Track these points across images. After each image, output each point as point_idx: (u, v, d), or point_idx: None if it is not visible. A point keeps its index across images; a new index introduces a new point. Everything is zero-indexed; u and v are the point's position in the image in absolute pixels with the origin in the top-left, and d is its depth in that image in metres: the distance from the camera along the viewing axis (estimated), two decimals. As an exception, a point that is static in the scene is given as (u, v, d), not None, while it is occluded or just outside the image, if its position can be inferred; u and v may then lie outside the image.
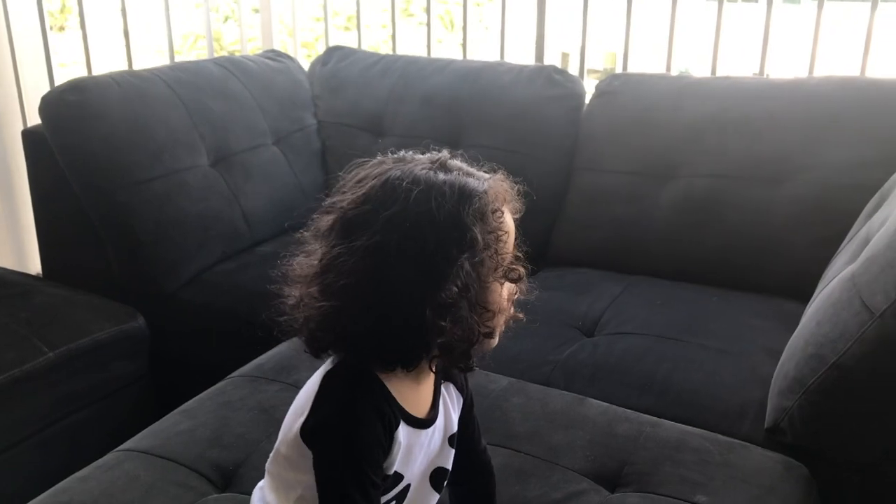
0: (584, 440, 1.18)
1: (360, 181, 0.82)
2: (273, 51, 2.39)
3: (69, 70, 2.61)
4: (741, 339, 1.51)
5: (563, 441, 1.17)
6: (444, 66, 2.25)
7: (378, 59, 2.34)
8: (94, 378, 1.64)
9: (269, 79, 2.19)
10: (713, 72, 2.25)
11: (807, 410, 1.19)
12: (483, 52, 2.50)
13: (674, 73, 2.27)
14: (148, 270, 1.81)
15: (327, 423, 0.80)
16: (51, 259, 1.99)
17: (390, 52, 2.50)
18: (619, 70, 2.29)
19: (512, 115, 2.07)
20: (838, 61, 2.28)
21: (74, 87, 1.78)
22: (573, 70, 2.26)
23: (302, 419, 0.82)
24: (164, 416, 1.30)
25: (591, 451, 1.16)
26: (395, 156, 0.85)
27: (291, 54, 2.52)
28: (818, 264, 1.62)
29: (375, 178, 0.81)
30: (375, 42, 2.63)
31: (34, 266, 2.59)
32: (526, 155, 1.99)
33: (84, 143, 1.76)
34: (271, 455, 0.89)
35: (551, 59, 2.47)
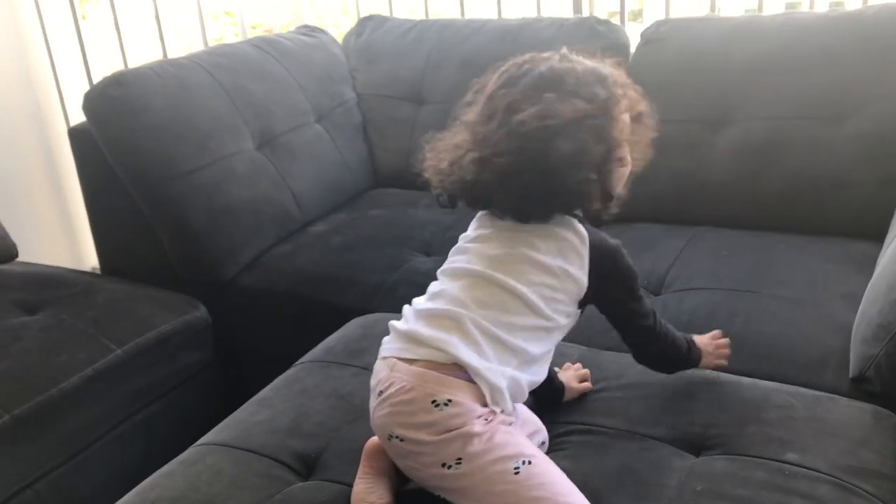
0: (663, 406, 1.16)
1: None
2: (306, 26, 2.36)
3: (98, 60, 2.60)
4: (814, 286, 1.47)
5: (642, 410, 1.15)
6: (481, 26, 2.20)
7: (412, 26, 2.30)
8: (163, 370, 1.66)
9: (306, 56, 2.17)
10: (759, 9, 2.18)
11: (895, 357, 1.15)
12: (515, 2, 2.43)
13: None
14: (204, 259, 1.81)
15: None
16: (108, 254, 2.00)
17: (423, 17, 2.45)
18: (646, 13, 2.22)
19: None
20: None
21: (115, 81, 1.77)
22: (600, 14, 2.19)
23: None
24: (232, 402, 1.31)
25: (671, 417, 1.13)
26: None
27: (322, 26, 2.49)
28: (887, 201, 1.58)
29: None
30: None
31: (89, 262, 2.63)
32: (573, 112, 1.94)
33: (130, 137, 1.76)
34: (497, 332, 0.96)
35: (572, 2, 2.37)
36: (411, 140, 2.20)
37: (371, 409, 0.99)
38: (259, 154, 1.93)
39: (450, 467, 0.91)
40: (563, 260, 0.99)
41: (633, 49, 2.00)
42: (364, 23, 2.37)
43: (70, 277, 1.82)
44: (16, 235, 1.97)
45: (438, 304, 0.99)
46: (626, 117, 1.02)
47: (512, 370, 0.96)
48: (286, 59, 2.10)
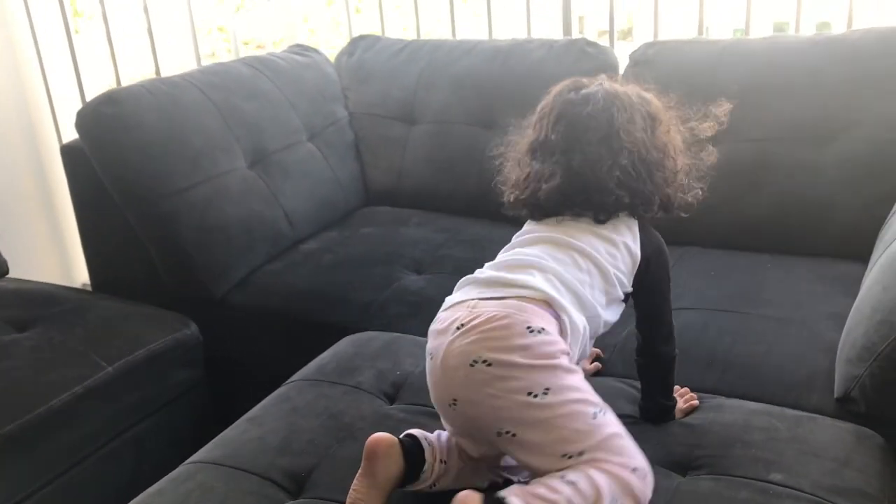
0: (650, 427, 1.17)
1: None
2: (299, 45, 2.38)
3: (90, 74, 2.61)
4: (801, 307, 1.49)
5: (629, 431, 1.15)
6: (472, 47, 2.22)
7: (403, 46, 2.32)
8: (153, 388, 1.66)
9: (298, 75, 2.18)
10: (746, 30, 2.21)
11: (879, 378, 1.16)
12: (505, 19, 2.45)
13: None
14: (196, 277, 1.82)
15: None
16: (99, 271, 2.01)
17: (415, 38, 2.47)
18: (636, 31, 2.24)
19: (545, 93, 2.03)
20: (874, 13, 2.22)
21: (108, 99, 1.78)
22: (590, 34, 2.22)
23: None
24: (223, 420, 1.31)
25: (658, 437, 1.14)
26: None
27: (314, 43, 2.51)
28: (873, 223, 1.60)
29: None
30: (386, 16, 2.59)
31: (79, 278, 2.63)
32: (562, 132, 1.96)
33: (123, 155, 1.76)
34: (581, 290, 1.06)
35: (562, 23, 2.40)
36: (403, 159, 2.22)
37: (440, 347, 1.00)
38: (251, 172, 1.94)
39: (536, 396, 0.93)
40: (619, 235, 1.11)
41: (621, 70, 2.03)
42: (356, 42, 2.39)
43: (61, 294, 1.83)
44: (7, 252, 1.97)
45: (519, 257, 1.08)
46: (675, 135, 1.17)
47: (584, 321, 1.05)
48: (279, 78, 2.12)
